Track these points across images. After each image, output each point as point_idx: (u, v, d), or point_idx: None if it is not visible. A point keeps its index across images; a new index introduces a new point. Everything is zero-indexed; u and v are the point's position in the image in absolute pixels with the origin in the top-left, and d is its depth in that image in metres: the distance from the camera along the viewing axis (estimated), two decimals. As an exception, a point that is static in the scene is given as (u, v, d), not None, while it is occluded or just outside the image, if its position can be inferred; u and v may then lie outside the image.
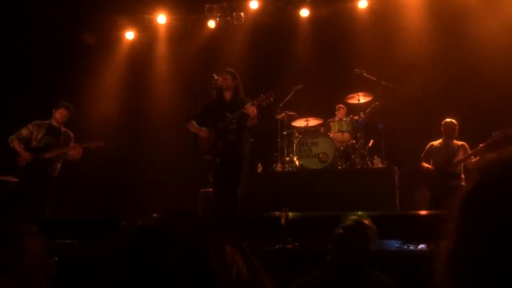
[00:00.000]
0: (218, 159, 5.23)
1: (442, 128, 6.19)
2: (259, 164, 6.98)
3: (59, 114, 5.98)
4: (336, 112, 7.15)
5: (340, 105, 7.19)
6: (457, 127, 6.12)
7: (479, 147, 5.79)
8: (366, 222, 2.43)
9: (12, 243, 1.28)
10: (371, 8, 8.25)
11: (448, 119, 6.18)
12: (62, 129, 6.05)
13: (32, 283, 1.26)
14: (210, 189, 6.13)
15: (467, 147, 6.07)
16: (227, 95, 5.34)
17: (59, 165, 6.00)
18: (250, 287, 0.63)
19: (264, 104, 5.15)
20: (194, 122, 5.39)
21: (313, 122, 7.05)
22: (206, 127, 5.33)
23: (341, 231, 2.39)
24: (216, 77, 5.42)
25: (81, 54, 8.84)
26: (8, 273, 1.22)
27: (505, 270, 0.56)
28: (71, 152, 5.88)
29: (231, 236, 0.68)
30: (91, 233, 4.38)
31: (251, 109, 5.01)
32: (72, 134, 6.12)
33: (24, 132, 5.87)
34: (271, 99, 5.17)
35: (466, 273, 0.60)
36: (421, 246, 3.73)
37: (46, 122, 5.99)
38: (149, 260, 0.60)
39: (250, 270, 0.64)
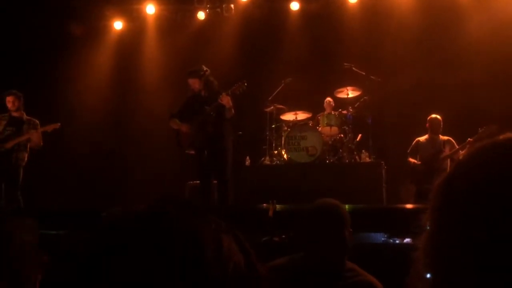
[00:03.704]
0: (201, 152, 5.32)
1: (427, 124, 6.27)
2: (247, 157, 6.97)
3: (7, 102, 5.92)
4: (325, 106, 7.15)
5: (328, 99, 7.18)
6: (441, 123, 6.19)
7: (467, 142, 5.87)
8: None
9: (3, 237, 1.24)
10: (362, 2, 8.25)
11: (433, 115, 6.25)
12: (25, 117, 5.97)
13: (23, 279, 1.23)
14: (197, 182, 6.14)
15: (453, 142, 6.15)
16: (202, 92, 5.43)
17: (25, 154, 5.88)
18: (247, 280, 0.60)
19: (238, 92, 5.31)
20: (176, 120, 5.48)
21: (302, 115, 7.05)
22: (187, 123, 5.41)
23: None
24: (205, 68, 5.46)
25: (68, 44, 8.72)
26: None
27: (484, 250, 0.59)
28: (30, 138, 5.79)
29: (226, 224, 0.64)
30: (77, 224, 4.35)
31: (225, 99, 5.15)
32: (37, 121, 6.01)
33: None
34: (244, 87, 5.33)
35: (447, 254, 0.62)
36: (406, 240, 3.77)
37: (6, 114, 5.94)
38: (137, 250, 0.57)
39: (247, 262, 0.61)
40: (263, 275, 0.63)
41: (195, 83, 5.39)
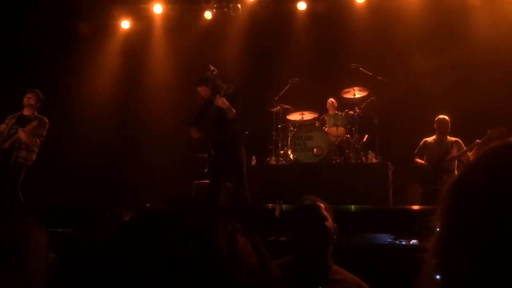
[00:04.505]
0: (210, 154, 5.43)
1: (435, 125, 6.23)
2: (253, 157, 6.97)
3: (25, 98, 5.95)
4: (328, 107, 7.13)
5: (331, 99, 7.16)
6: (449, 124, 6.15)
7: (475, 143, 5.84)
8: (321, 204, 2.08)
9: (19, 235, 1.24)
10: (369, 2, 8.24)
11: (440, 116, 6.22)
12: (34, 116, 5.99)
13: (33, 278, 1.23)
14: (204, 181, 6.16)
15: (461, 143, 6.11)
16: (213, 98, 5.49)
17: (26, 153, 5.84)
18: (261, 280, 0.60)
19: (228, 92, 5.35)
20: (190, 127, 5.59)
21: (308, 115, 7.03)
22: (198, 128, 5.53)
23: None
24: (212, 68, 5.51)
25: (76, 43, 8.76)
26: (10, 267, 1.18)
27: (492, 251, 0.59)
28: (19, 137, 5.79)
29: (241, 224, 0.64)
30: (84, 222, 4.37)
31: (220, 101, 5.24)
32: (46, 120, 6.01)
33: (2, 126, 5.91)
34: (234, 87, 5.38)
35: (455, 256, 0.63)
36: (413, 241, 3.75)
37: (18, 113, 5.97)
38: (151, 251, 0.57)
39: (261, 262, 0.61)
40: (276, 275, 0.63)
41: (203, 91, 5.50)
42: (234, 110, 5.30)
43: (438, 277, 0.64)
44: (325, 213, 2.02)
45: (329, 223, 2.02)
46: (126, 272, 0.56)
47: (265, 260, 0.62)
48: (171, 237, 0.58)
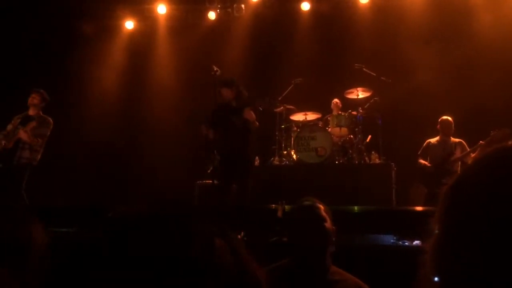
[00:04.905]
0: (221, 160, 5.47)
1: (438, 126, 6.21)
2: (256, 157, 6.97)
3: (29, 98, 5.95)
4: (332, 107, 7.12)
5: (335, 100, 7.15)
6: (453, 125, 6.13)
7: (478, 145, 5.82)
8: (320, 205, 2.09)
9: (22, 235, 1.24)
10: (373, 3, 8.22)
11: (444, 117, 6.19)
12: (40, 115, 6.00)
13: (32, 279, 1.23)
14: (207, 181, 6.16)
15: (465, 144, 6.09)
16: (232, 102, 5.47)
17: (30, 153, 5.82)
18: (237, 281, 0.61)
19: (260, 108, 5.46)
20: (204, 125, 5.55)
21: (311, 116, 7.04)
22: (213, 130, 5.51)
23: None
24: (215, 68, 5.51)
25: (80, 43, 8.78)
26: (12, 267, 1.19)
27: (490, 253, 0.59)
28: (20, 137, 5.80)
29: (221, 228, 0.65)
30: (86, 222, 4.38)
31: (249, 115, 5.25)
32: (50, 120, 6.01)
33: (9, 127, 5.92)
34: (267, 104, 5.53)
35: (453, 257, 0.63)
36: (416, 242, 3.75)
37: (23, 113, 5.98)
38: (132, 249, 0.59)
39: (238, 264, 0.62)
40: (254, 276, 0.64)
41: (228, 93, 5.46)
42: (257, 123, 5.34)
43: (436, 279, 0.64)
44: (323, 214, 2.03)
45: (328, 224, 2.02)
46: (110, 268, 0.58)
47: (243, 264, 0.63)
48: (153, 238, 0.60)
